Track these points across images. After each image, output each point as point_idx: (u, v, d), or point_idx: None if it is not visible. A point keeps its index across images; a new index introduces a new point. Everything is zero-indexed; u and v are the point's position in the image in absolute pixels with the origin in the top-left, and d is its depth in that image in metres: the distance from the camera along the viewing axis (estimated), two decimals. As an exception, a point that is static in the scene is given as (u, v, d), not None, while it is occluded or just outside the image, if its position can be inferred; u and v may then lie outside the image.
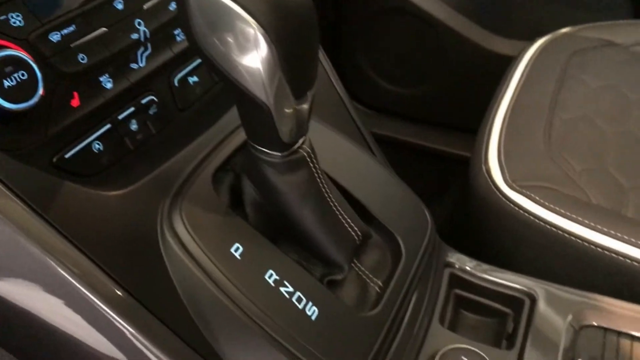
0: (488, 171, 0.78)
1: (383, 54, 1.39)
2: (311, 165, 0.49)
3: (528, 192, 0.73)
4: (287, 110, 0.44)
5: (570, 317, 0.59)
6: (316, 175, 0.49)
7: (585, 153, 0.80)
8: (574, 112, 0.87)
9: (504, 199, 0.74)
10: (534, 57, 1.00)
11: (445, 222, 1.11)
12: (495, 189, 0.75)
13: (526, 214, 0.71)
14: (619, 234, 0.67)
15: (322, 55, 0.66)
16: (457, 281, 0.64)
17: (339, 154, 0.60)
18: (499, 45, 1.31)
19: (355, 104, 1.50)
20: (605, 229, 0.67)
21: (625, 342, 0.56)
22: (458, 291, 0.65)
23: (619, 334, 0.57)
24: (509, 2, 1.30)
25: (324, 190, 0.50)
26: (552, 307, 0.60)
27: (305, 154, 0.48)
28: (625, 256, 0.66)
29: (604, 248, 0.67)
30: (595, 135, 0.83)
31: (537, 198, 0.72)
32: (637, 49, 1.03)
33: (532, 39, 1.07)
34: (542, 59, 0.99)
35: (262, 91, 0.42)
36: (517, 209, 0.72)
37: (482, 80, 1.12)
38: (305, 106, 0.46)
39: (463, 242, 0.90)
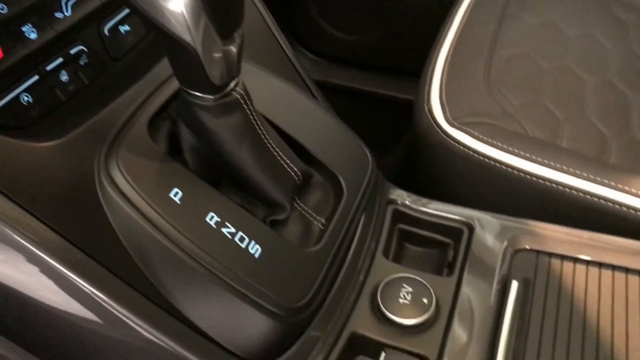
0: (430, 110, 0.79)
1: (331, 1, 1.38)
2: (245, 107, 0.49)
3: (468, 129, 0.75)
4: (215, 54, 0.44)
5: (505, 243, 0.62)
6: (251, 117, 0.50)
7: (522, 88, 0.82)
8: (513, 49, 0.89)
9: (445, 136, 0.76)
10: (475, -4, 1.00)
11: (399, 166, 1.13)
12: (437, 127, 0.77)
13: (466, 149, 0.74)
14: (552, 163, 0.70)
15: (256, -1, 0.66)
16: (401, 216, 0.67)
17: (276, 96, 0.60)
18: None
19: (305, 52, 1.49)
20: (539, 159, 0.70)
21: (555, 262, 0.60)
22: (402, 226, 0.67)
23: (550, 254, 0.60)
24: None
25: (260, 131, 0.51)
26: (489, 234, 0.63)
27: (238, 96, 0.48)
28: (557, 183, 0.69)
29: (538, 177, 0.70)
30: (532, 70, 0.85)
31: (476, 133, 0.74)
32: (576, -15, 1.05)
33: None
34: (483, -2, 1.00)
35: (187, 34, 0.42)
36: (457, 145, 0.74)
37: (428, 23, 1.12)
38: (234, 48, 0.46)
39: (412, 182, 0.93)
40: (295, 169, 0.54)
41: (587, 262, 0.59)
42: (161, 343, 0.48)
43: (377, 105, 1.43)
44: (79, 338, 0.51)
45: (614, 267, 0.59)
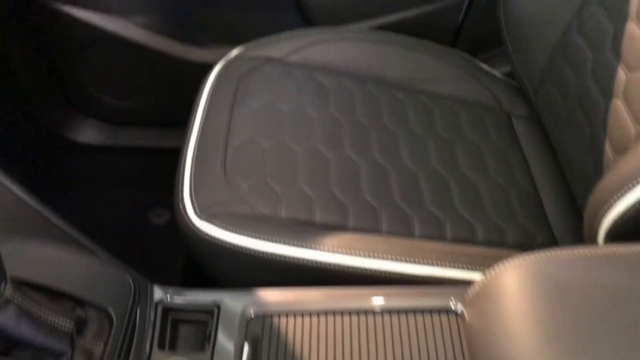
0: (184, 207, 1.02)
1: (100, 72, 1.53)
2: (16, 301, 0.68)
3: (211, 219, 0.99)
4: None
5: (241, 313, 0.88)
6: (21, 305, 0.69)
7: (249, 172, 1.07)
8: (242, 136, 1.12)
9: (196, 229, 0.99)
10: (212, 86, 1.22)
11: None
12: (189, 222, 1.00)
13: (214, 239, 0.97)
14: (274, 238, 0.96)
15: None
16: (170, 309, 0.90)
17: (44, 259, 0.80)
18: (199, 54, 1.52)
19: (91, 121, 1.63)
20: (264, 236, 0.96)
21: (275, 320, 0.88)
22: (173, 315, 0.90)
23: (272, 315, 0.88)
24: (200, 12, 1.49)
25: (32, 311, 0.70)
26: (231, 308, 0.88)
27: (8, 296, 0.67)
28: (278, 255, 0.96)
29: (264, 253, 0.96)
30: (257, 153, 1.10)
31: (218, 222, 0.98)
32: (290, 58, 1.30)
33: (232, 42, 1.30)
34: (218, 87, 1.22)
35: None
36: (206, 236, 0.98)
37: (190, 87, 1.31)
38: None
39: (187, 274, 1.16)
40: (66, 324, 0.74)
41: (294, 314, 0.88)
42: None
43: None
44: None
45: (318, 314, 0.88)
